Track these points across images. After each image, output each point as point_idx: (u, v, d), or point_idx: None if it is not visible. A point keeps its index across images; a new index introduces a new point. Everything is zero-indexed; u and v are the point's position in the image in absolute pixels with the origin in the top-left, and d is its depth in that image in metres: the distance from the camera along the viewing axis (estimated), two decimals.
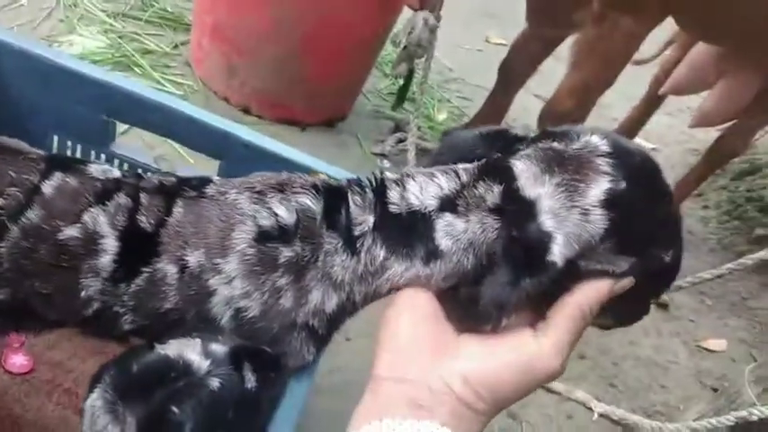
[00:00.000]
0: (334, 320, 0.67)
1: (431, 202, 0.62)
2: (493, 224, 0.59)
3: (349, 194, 0.65)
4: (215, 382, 0.56)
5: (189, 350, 0.59)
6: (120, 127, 1.06)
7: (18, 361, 1.11)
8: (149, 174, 0.74)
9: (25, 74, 0.95)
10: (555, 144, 0.60)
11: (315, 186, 0.67)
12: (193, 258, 0.64)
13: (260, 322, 0.65)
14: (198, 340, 0.60)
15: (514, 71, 2.09)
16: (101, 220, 0.65)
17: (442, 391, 0.53)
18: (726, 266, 1.58)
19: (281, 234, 0.64)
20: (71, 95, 0.96)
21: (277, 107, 2.01)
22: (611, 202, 0.57)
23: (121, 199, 0.67)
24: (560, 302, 0.58)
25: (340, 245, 0.63)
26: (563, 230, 0.56)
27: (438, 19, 1.83)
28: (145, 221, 0.66)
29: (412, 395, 0.53)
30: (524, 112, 2.41)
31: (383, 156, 2.13)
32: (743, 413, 1.39)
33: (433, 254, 0.61)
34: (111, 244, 0.65)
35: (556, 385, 1.59)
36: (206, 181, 0.71)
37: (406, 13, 1.89)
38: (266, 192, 0.67)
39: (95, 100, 0.96)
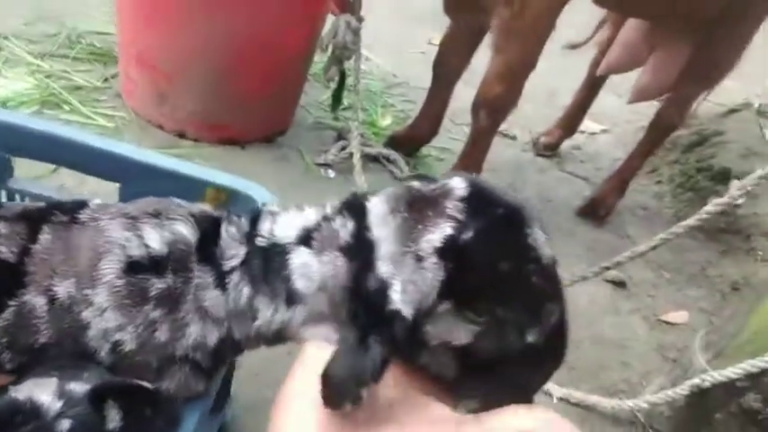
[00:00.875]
0: (219, 355, 0.65)
1: (290, 233, 0.58)
2: (342, 266, 0.53)
3: (224, 225, 0.62)
4: (64, 425, 0.54)
5: (40, 391, 0.56)
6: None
7: None
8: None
9: None
10: (415, 184, 0.54)
11: (193, 215, 0.65)
12: (62, 289, 0.62)
13: (138, 356, 0.63)
14: (54, 379, 0.57)
15: (446, 66, 2.11)
16: None
17: None
18: (668, 231, 1.59)
19: (152, 265, 0.61)
20: None
21: (213, 128, 1.99)
22: (448, 252, 0.48)
23: None
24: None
25: (211, 279, 0.61)
26: (400, 277, 0.49)
27: (360, 20, 1.84)
28: (5, 251, 0.63)
29: None
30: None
31: (327, 166, 2.11)
32: (695, 381, 1.39)
33: (292, 295, 0.57)
34: None
35: None
36: (81, 205, 0.69)
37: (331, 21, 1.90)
38: (141, 218, 0.65)
39: None
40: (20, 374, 0.65)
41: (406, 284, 0.48)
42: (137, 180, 0.93)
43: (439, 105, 2.21)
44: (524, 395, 0.51)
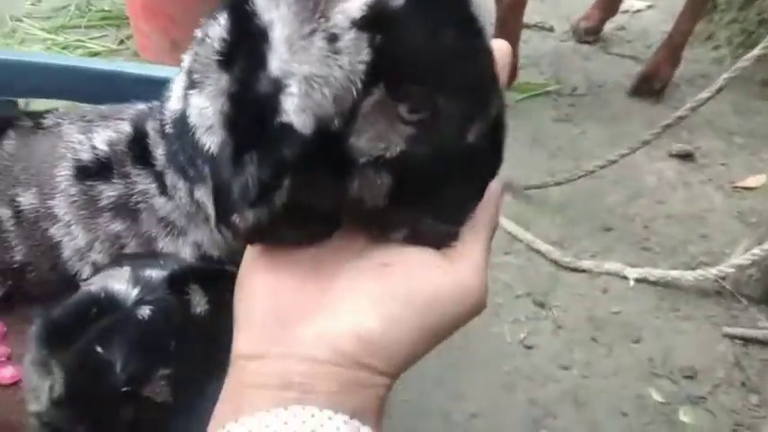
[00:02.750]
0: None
1: (178, 92, 0.44)
2: (226, 81, 0.38)
3: (149, 122, 0.54)
4: (145, 311, 0.49)
5: (113, 280, 0.51)
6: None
7: (8, 373, 1.09)
8: None
9: None
10: None
11: (137, 113, 0.57)
12: (25, 199, 0.56)
13: None
14: (127, 268, 0.52)
15: None
16: None
17: (322, 359, 0.37)
18: (722, 77, 1.43)
19: (98, 169, 0.54)
20: None
21: None
22: (373, 22, 0.35)
23: None
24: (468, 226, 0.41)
25: (153, 184, 0.53)
26: (300, 72, 0.35)
27: None
28: None
29: (280, 371, 0.37)
30: None
31: None
32: None
33: (210, 161, 0.41)
34: None
35: (583, 263, 1.49)
36: (50, 111, 0.63)
37: None
38: (95, 120, 0.58)
39: None
40: (7, 301, 0.62)
41: (310, 81, 0.35)
42: (140, 98, 0.88)
43: None
44: (459, 215, 0.42)
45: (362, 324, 0.37)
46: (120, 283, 0.50)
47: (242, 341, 0.39)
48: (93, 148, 0.55)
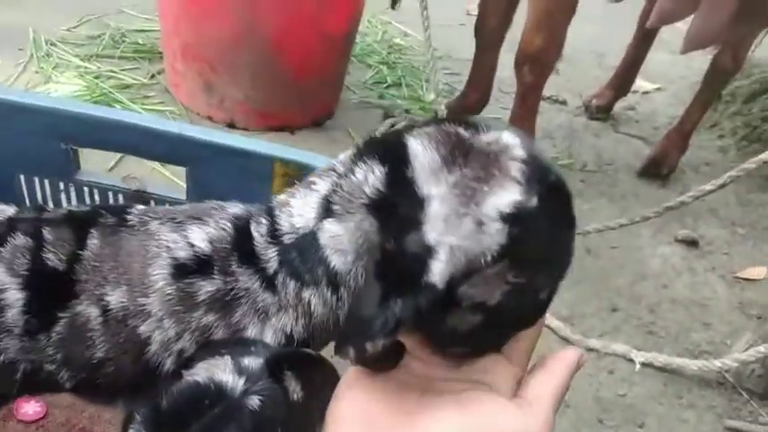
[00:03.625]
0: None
1: (309, 214, 0.52)
2: (373, 226, 0.47)
3: (252, 225, 0.58)
4: (255, 401, 0.50)
5: (219, 371, 0.52)
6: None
7: (30, 409, 1.09)
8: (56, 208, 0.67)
9: None
10: (462, 130, 0.48)
11: (235, 216, 0.60)
12: (115, 298, 0.57)
13: None
14: (227, 357, 0.54)
15: (487, 28, 2.07)
16: None
17: None
18: (727, 175, 1.51)
19: (198, 266, 0.57)
20: (25, 130, 0.94)
21: (262, 116, 1.98)
22: (514, 218, 0.44)
23: (18, 240, 0.59)
24: (542, 382, 0.48)
25: (258, 282, 0.56)
26: (449, 243, 0.44)
27: None
28: (53, 259, 0.58)
29: None
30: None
31: None
32: None
33: (333, 277, 0.51)
34: (14, 296, 0.57)
35: (591, 342, 1.53)
36: (127, 208, 0.64)
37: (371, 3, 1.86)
38: (186, 221, 0.60)
39: (49, 129, 0.94)
40: (76, 391, 0.63)
41: (455, 251, 0.44)
42: (203, 161, 0.91)
43: (487, 72, 2.16)
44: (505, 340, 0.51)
45: None
46: (225, 374, 0.51)
47: None
48: (191, 245, 0.57)
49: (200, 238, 0.58)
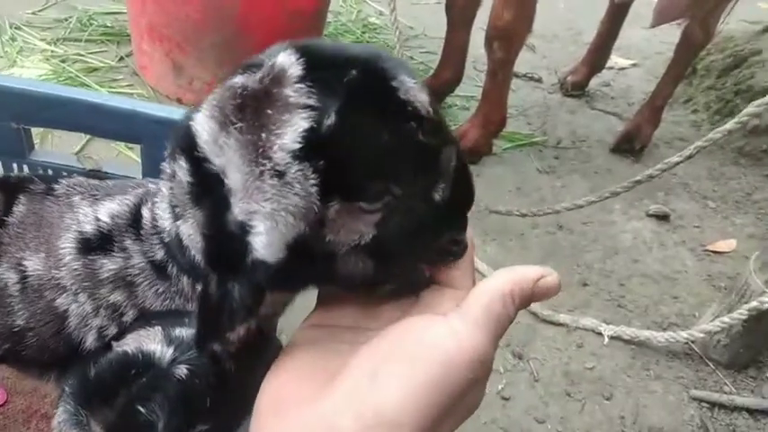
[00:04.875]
0: None
1: (168, 220, 0.51)
2: (199, 216, 0.44)
3: (144, 208, 0.57)
4: (182, 370, 0.50)
5: (148, 341, 0.53)
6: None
7: None
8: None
9: None
10: (238, 79, 0.42)
11: (142, 194, 0.59)
12: (32, 264, 0.58)
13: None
14: (158, 327, 0.54)
15: (458, 6, 2.05)
16: None
17: None
18: (693, 145, 1.52)
19: (100, 242, 0.57)
20: None
21: None
22: (311, 150, 0.38)
23: None
24: (476, 291, 0.44)
25: (147, 262, 0.55)
26: (262, 212, 0.39)
27: None
28: None
29: None
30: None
31: None
32: (754, 303, 1.33)
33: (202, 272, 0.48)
34: None
35: (560, 317, 1.54)
36: (58, 178, 0.65)
37: None
38: (102, 198, 0.60)
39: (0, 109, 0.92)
40: (6, 362, 0.63)
41: (273, 216, 0.39)
42: (157, 138, 0.90)
43: (459, 50, 2.14)
44: (442, 253, 0.46)
45: (365, 401, 0.38)
46: (154, 344, 0.52)
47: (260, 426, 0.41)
48: (97, 219, 0.57)
49: (104, 212, 0.58)
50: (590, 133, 2.31)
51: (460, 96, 2.31)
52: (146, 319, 0.56)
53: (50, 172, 0.99)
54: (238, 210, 0.40)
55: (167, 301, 0.55)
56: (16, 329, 0.59)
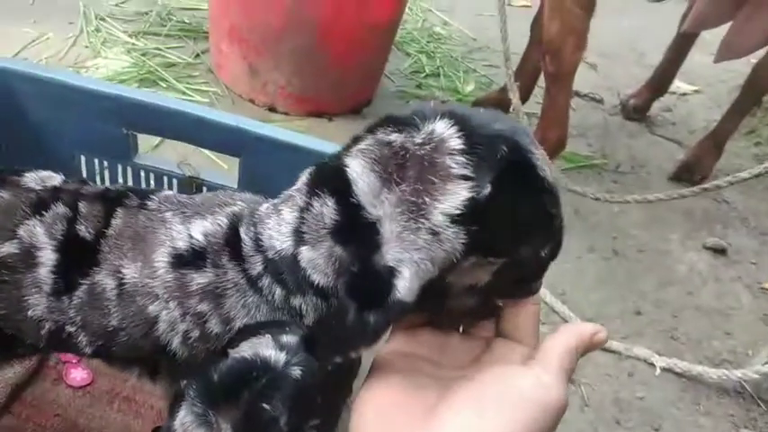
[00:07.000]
0: None
1: (286, 241, 0.55)
2: (342, 253, 0.50)
3: (242, 229, 0.61)
4: (296, 371, 0.55)
5: (262, 347, 0.58)
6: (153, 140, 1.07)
7: (78, 375, 1.16)
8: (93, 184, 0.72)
9: (43, 99, 0.99)
10: (394, 137, 0.48)
11: (234, 214, 0.63)
12: (129, 272, 0.62)
13: (204, 345, 0.62)
14: (267, 336, 0.59)
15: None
16: (38, 231, 0.64)
17: None
18: (747, 171, 1.52)
19: (193, 258, 0.61)
20: (89, 114, 0.99)
21: (302, 102, 2.02)
22: (468, 217, 0.45)
23: (59, 209, 0.65)
24: (550, 347, 0.50)
25: (243, 280, 0.59)
26: (410, 260, 0.45)
27: None
28: (83, 230, 0.64)
29: None
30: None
31: None
32: None
33: (320, 289, 0.54)
34: (48, 256, 0.63)
35: (613, 344, 1.56)
36: (153, 192, 0.69)
37: None
38: (192, 215, 0.64)
39: (113, 115, 0.99)
40: (96, 357, 0.68)
41: (419, 265, 0.45)
42: (256, 153, 0.96)
43: (533, 67, 2.14)
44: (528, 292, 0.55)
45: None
46: (268, 350, 0.57)
47: None
48: (190, 237, 0.62)
49: (197, 230, 0.62)
50: (649, 159, 2.31)
51: (528, 114, 2.33)
52: (250, 329, 0.61)
53: (152, 175, 1.06)
54: (390, 256, 0.46)
55: (253, 311, 0.60)
56: (110, 329, 0.64)
